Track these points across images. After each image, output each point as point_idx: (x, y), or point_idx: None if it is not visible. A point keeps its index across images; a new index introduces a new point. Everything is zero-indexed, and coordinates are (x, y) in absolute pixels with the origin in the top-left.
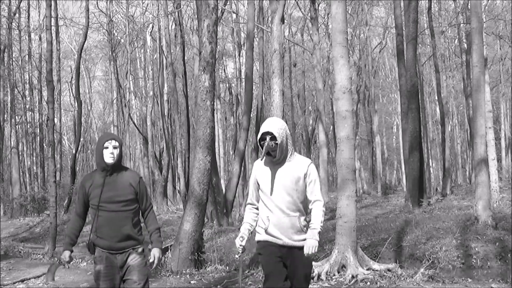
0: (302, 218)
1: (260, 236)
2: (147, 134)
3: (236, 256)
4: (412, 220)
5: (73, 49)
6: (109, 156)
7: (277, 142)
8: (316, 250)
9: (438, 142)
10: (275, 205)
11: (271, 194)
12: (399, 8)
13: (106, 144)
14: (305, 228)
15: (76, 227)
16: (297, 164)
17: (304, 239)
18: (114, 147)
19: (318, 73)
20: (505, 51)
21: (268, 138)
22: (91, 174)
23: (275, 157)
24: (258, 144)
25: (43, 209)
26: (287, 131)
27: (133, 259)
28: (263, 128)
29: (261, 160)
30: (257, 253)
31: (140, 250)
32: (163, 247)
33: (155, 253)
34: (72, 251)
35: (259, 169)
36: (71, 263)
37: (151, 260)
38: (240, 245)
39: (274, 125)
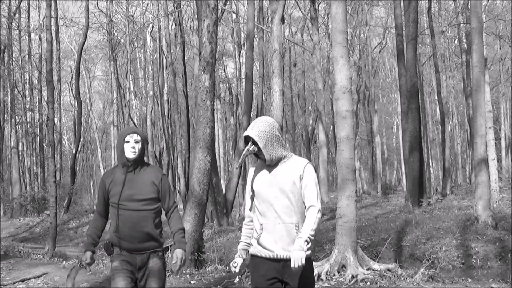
0: (301, 225)
1: (252, 249)
2: (147, 134)
3: (235, 280)
4: (412, 220)
5: (73, 49)
6: (130, 151)
7: (260, 146)
8: (303, 263)
9: (438, 142)
10: (272, 209)
11: (266, 197)
12: (399, 8)
13: (127, 138)
14: None
15: (97, 226)
16: (292, 165)
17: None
18: (136, 142)
19: (318, 73)
20: (505, 51)
21: (250, 142)
22: (112, 170)
23: (266, 160)
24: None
25: (43, 209)
26: (273, 132)
27: (155, 263)
28: (246, 132)
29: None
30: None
31: (160, 253)
32: (164, 248)
33: (178, 254)
34: (94, 252)
35: (253, 175)
36: (92, 265)
37: (173, 262)
38: (235, 271)
39: (254, 128)
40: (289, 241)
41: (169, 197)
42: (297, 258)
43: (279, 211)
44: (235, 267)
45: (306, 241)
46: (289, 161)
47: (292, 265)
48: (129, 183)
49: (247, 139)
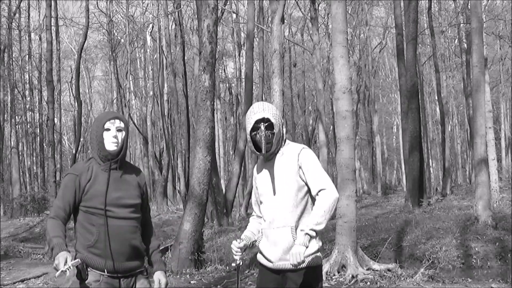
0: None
1: (258, 256)
2: (147, 134)
3: (233, 264)
4: (412, 220)
5: (73, 49)
6: (111, 141)
7: (274, 131)
8: (302, 259)
9: (438, 142)
10: (269, 211)
11: (266, 198)
12: (399, 8)
13: (107, 125)
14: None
15: (63, 230)
16: (288, 156)
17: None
18: (118, 130)
19: (318, 73)
20: (505, 51)
21: (262, 126)
22: (86, 165)
23: (268, 151)
24: (250, 137)
25: (43, 209)
26: (281, 116)
27: (143, 287)
28: (256, 114)
29: (262, 159)
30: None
31: (146, 273)
32: (163, 248)
33: (161, 277)
34: (70, 252)
35: (255, 176)
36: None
37: (155, 287)
38: (236, 252)
39: (268, 109)
40: (285, 248)
41: (148, 204)
42: (295, 254)
43: (275, 213)
44: (238, 243)
45: (309, 234)
46: (286, 152)
47: (290, 262)
48: (115, 184)
49: (257, 124)
